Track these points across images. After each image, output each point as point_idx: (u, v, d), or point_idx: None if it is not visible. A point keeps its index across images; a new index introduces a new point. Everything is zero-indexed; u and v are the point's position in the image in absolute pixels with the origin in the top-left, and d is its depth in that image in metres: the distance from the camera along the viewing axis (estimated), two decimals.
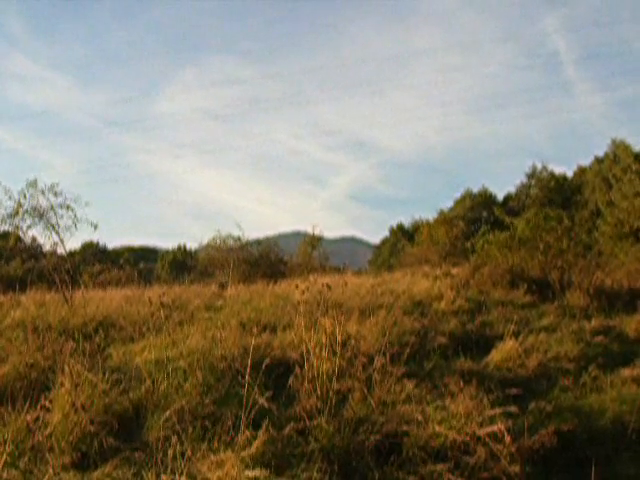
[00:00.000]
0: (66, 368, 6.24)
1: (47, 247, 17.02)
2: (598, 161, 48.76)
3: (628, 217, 36.46)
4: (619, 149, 43.29)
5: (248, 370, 5.85)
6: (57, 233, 15.83)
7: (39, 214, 15.62)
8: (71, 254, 18.57)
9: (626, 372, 8.13)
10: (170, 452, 4.61)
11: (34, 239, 18.25)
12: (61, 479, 4.65)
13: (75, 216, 15.66)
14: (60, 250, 16.56)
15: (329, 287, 9.01)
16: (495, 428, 5.19)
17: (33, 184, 15.48)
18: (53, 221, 15.72)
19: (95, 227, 15.94)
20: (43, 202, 15.60)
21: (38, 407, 5.49)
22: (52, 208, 15.59)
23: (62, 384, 5.94)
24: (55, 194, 15.58)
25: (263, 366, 6.06)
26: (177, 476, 4.41)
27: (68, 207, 15.60)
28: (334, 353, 6.62)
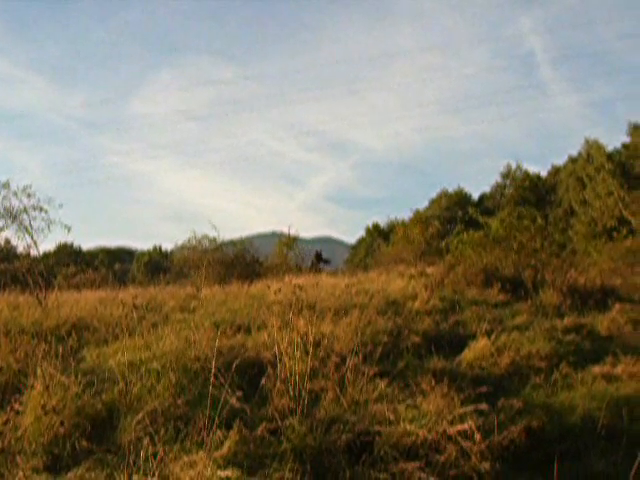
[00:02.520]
0: (38, 370, 6.22)
1: (20, 249, 16.92)
2: (572, 161, 49.28)
3: (601, 216, 37.07)
4: (593, 149, 43.90)
5: (217, 370, 5.87)
6: (30, 235, 15.72)
7: (12, 216, 15.50)
8: (45, 256, 18.44)
9: (596, 369, 8.24)
10: (142, 453, 4.62)
11: (7, 241, 18.08)
12: None
13: (48, 218, 15.56)
14: (34, 252, 16.43)
15: (300, 288, 9.03)
16: (466, 426, 5.24)
17: (5, 185, 15.40)
18: (26, 223, 15.60)
19: (68, 229, 15.87)
20: (16, 204, 15.50)
21: (8, 409, 5.47)
22: (25, 210, 15.48)
23: (33, 386, 5.92)
24: (28, 196, 15.50)
25: (233, 366, 6.09)
26: (149, 477, 4.42)
27: (41, 209, 15.50)
28: (307, 353, 6.64)
